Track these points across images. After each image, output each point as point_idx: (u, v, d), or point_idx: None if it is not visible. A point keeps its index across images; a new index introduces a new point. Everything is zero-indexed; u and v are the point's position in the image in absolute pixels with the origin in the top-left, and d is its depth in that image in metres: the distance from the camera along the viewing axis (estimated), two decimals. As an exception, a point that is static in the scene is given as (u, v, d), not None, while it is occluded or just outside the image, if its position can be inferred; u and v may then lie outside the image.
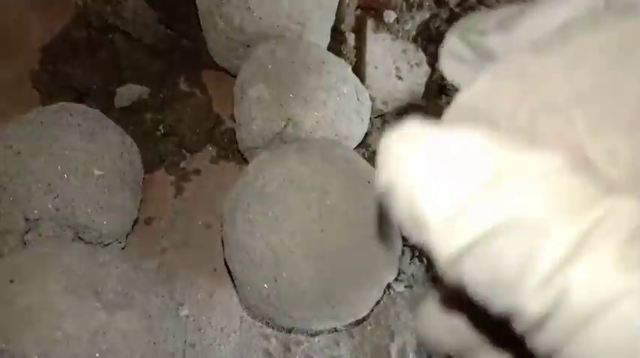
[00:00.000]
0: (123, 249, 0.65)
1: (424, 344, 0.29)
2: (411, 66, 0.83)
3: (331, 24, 0.77)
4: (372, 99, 0.76)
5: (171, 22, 0.78)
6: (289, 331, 0.63)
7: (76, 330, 0.49)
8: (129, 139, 0.66)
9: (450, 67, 0.30)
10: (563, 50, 0.23)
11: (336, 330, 0.63)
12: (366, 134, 0.72)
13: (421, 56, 0.84)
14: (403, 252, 0.66)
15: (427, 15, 0.87)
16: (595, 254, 0.19)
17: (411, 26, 0.86)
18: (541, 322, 0.19)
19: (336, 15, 0.77)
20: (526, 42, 0.26)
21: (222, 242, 0.59)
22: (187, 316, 0.63)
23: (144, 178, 0.68)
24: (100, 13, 0.74)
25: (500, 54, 0.27)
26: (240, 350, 0.62)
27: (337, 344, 0.63)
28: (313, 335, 0.63)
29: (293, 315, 0.55)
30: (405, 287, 0.66)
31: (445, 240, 0.21)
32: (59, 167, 0.58)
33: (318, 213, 0.53)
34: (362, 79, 0.77)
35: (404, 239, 0.60)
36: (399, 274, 0.64)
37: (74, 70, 0.73)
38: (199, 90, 0.77)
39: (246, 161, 0.69)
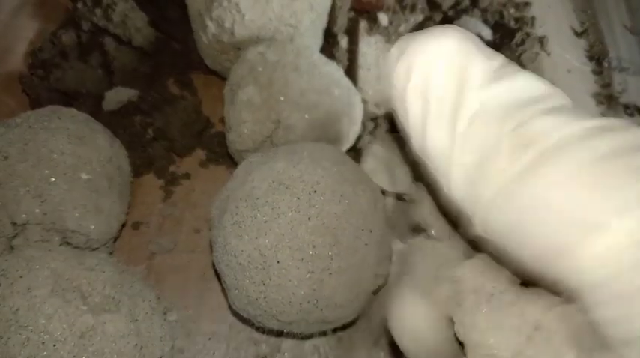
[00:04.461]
0: (111, 253, 0.65)
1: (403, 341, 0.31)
2: (404, 69, 0.82)
3: (323, 26, 0.76)
4: (365, 101, 0.75)
5: (161, 24, 0.78)
6: (279, 335, 0.62)
7: (63, 333, 0.49)
8: (117, 143, 0.66)
9: None
10: None
11: (325, 333, 0.62)
12: (359, 137, 0.72)
13: (414, 59, 0.83)
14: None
15: (420, 18, 0.87)
16: None
17: (404, 29, 0.86)
18: None
19: (328, 17, 0.77)
20: None
21: (211, 245, 0.58)
22: (176, 321, 0.63)
23: (132, 182, 0.68)
24: (90, 17, 0.74)
25: None
26: (230, 355, 0.62)
27: (327, 347, 0.62)
28: (303, 338, 0.62)
29: (282, 319, 0.54)
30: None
31: None
32: (47, 171, 0.58)
33: (307, 216, 0.53)
34: (354, 82, 0.76)
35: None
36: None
37: (64, 74, 0.73)
38: (189, 94, 0.76)
39: (236, 164, 0.68)
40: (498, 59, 0.26)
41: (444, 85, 0.25)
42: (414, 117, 0.27)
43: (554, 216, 0.21)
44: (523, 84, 0.24)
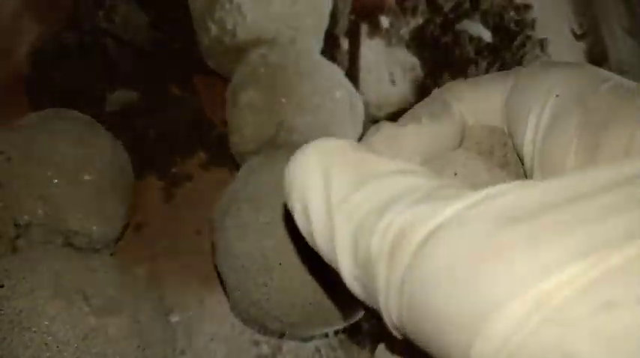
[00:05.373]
0: (112, 254, 0.65)
1: None
2: (405, 71, 0.83)
3: (325, 29, 0.76)
4: (366, 104, 0.75)
5: (162, 26, 0.77)
6: (280, 336, 0.62)
7: (66, 335, 0.49)
8: (119, 144, 0.66)
9: None
10: None
11: (327, 336, 0.62)
12: (360, 139, 0.72)
13: (415, 61, 0.84)
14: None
15: (421, 20, 0.87)
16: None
17: (405, 31, 0.86)
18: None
19: (329, 19, 0.77)
20: None
21: (213, 247, 0.58)
22: (177, 322, 0.63)
23: (134, 184, 0.68)
24: (92, 18, 0.74)
25: None
26: (231, 356, 0.62)
27: (329, 349, 0.62)
28: (305, 340, 0.62)
29: (284, 320, 0.54)
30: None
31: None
32: (49, 172, 0.58)
33: (310, 218, 0.53)
34: (355, 84, 0.77)
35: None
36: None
37: (65, 75, 0.73)
38: (191, 95, 0.76)
39: (238, 166, 0.68)
40: (364, 165, 0.25)
41: (316, 205, 0.25)
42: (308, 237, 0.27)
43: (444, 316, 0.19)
44: (388, 182, 0.23)
